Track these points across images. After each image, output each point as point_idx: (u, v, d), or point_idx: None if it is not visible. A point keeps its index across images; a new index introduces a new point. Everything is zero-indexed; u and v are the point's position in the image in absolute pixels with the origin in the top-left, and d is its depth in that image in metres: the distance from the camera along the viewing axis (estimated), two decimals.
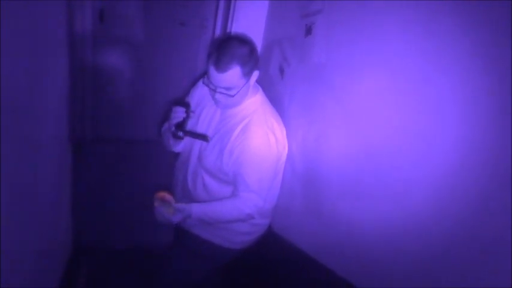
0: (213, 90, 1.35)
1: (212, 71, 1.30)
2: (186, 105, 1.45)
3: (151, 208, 1.38)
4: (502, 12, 0.90)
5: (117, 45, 3.01)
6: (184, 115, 1.41)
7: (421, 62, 1.13)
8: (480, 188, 0.99)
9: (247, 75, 1.33)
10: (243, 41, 1.35)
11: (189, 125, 1.51)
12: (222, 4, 2.45)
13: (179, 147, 1.57)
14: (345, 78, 1.42)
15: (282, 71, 1.79)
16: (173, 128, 1.42)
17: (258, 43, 2.10)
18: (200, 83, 1.55)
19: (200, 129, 1.49)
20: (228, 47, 1.29)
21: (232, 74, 1.29)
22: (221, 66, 1.27)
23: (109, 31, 2.91)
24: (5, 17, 0.90)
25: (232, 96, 1.33)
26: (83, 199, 2.29)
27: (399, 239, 1.22)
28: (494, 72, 0.94)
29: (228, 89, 1.32)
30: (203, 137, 1.42)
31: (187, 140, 1.53)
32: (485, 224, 0.98)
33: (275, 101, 1.58)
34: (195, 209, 1.38)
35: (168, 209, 1.35)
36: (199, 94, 1.55)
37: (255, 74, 1.37)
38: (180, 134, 1.42)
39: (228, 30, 2.24)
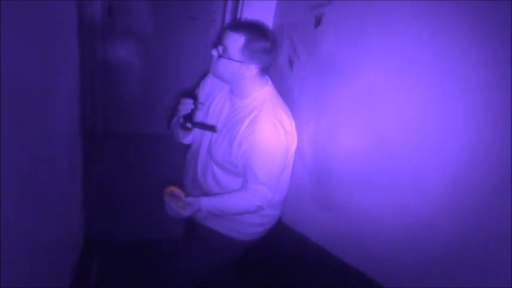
0: (215, 48, 1.38)
1: (225, 28, 1.38)
2: (194, 97, 1.46)
3: (161, 202, 1.39)
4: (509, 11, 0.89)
5: (126, 39, 3.03)
6: (192, 106, 1.42)
7: (432, 56, 1.12)
8: (490, 182, 0.98)
9: (246, 56, 1.34)
10: (265, 36, 1.37)
11: (199, 117, 1.51)
12: None
13: (188, 139, 1.58)
14: (355, 70, 1.41)
15: (291, 63, 1.78)
16: (181, 120, 1.43)
17: None
18: (210, 75, 1.56)
19: (210, 120, 1.49)
20: (250, 22, 1.39)
21: (237, 38, 1.33)
22: (233, 25, 1.37)
23: (118, 25, 2.94)
24: (17, 12, 0.91)
25: (218, 58, 1.36)
26: (94, 192, 2.32)
27: (412, 231, 1.21)
28: (502, 69, 0.93)
29: (224, 48, 1.36)
30: (211, 128, 1.42)
31: (197, 132, 1.53)
32: (494, 218, 0.97)
33: (284, 93, 1.57)
34: (205, 202, 1.38)
35: (178, 203, 1.36)
36: (209, 86, 1.56)
37: (252, 68, 1.37)
38: (188, 125, 1.43)
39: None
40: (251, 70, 1.37)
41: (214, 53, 1.38)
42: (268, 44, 1.37)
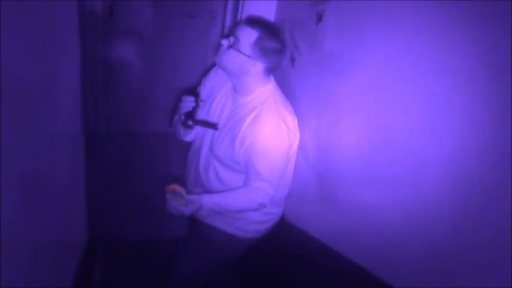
0: (226, 40, 1.39)
1: (241, 22, 1.38)
2: (196, 94, 1.46)
3: (163, 200, 1.39)
4: (503, 13, 0.89)
5: (127, 39, 3.03)
6: (193, 104, 1.41)
7: (433, 53, 1.12)
8: (493, 176, 0.98)
9: (255, 51, 1.34)
10: (278, 37, 1.37)
11: (201, 114, 1.51)
12: None
13: (190, 136, 1.58)
14: (356, 67, 1.41)
15: (293, 60, 1.78)
16: (183, 117, 1.43)
17: None
18: (212, 72, 1.55)
19: (212, 118, 1.49)
20: (266, 21, 1.40)
21: (249, 32, 1.34)
22: (249, 20, 1.36)
23: (119, 25, 2.94)
24: (18, 13, 0.91)
25: (227, 48, 1.36)
26: (96, 192, 2.32)
27: (415, 227, 1.20)
28: (502, 66, 0.93)
29: (235, 40, 1.36)
30: (213, 126, 1.42)
31: (199, 129, 1.53)
32: (497, 214, 0.97)
33: (287, 90, 1.57)
34: (206, 200, 1.38)
35: (180, 201, 1.36)
36: (211, 83, 1.55)
37: (259, 65, 1.36)
38: (190, 122, 1.43)
39: (238, 21, 2.22)
40: (257, 67, 1.37)
41: (225, 42, 1.38)
42: (279, 45, 1.37)
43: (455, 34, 1.03)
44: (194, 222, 1.63)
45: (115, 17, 2.93)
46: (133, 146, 3.20)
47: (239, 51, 1.35)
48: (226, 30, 2.50)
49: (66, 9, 1.54)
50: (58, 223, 1.55)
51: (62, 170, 1.57)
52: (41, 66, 1.16)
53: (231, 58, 1.37)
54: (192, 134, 1.57)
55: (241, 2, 2.18)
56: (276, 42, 1.36)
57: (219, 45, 1.41)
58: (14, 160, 0.93)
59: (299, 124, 1.50)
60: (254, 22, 1.36)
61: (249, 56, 1.35)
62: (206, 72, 1.62)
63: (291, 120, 1.44)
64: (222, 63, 1.42)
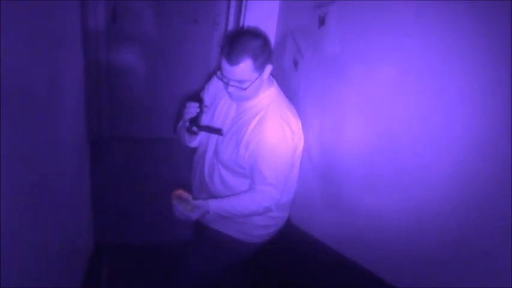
0: (226, 83, 1.35)
1: (224, 63, 1.30)
2: (200, 100, 1.46)
3: (169, 205, 1.39)
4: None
5: (130, 44, 3.04)
6: (197, 110, 1.42)
7: (435, 53, 1.12)
8: (497, 178, 0.98)
9: (259, 68, 1.32)
10: (256, 34, 1.34)
11: (205, 120, 1.52)
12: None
13: (195, 142, 1.58)
14: (359, 68, 1.41)
15: (296, 63, 1.78)
16: (187, 123, 1.43)
17: (271, 36, 2.08)
18: (215, 78, 1.56)
19: (216, 123, 1.49)
20: (239, 40, 1.29)
21: (244, 67, 1.28)
22: (232, 59, 1.27)
23: (122, 30, 2.94)
24: (24, 18, 0.92)
25: (244, 89, 1.33)
26: (103, 197, 2.33)
27: (420, 229, 1.20)
28: (505, 64, 0.93)
29: (240, 81, 1.32)
30: (217, 131, 1.42)
31: (203, 135, 1.53)
32: (501, 214, 0.97)
33: (290, 93, 1.57)
34: (213, 204, 1.39)
35: (186, 206, 1.37)
36: (214, 89, 1.56)
37: (268, 68, 1.36)
38: (195, 128, 1.43)
39: (240, 26, 2.23)
40: (267, 70, 1.36)
41: (234, 90, 1.34)
42: (262, 39, 1.33)
43: (464, 32, 1.02)
44: (200, 227, 1.63)
45: (118, 22, 2.94)
46: (137, 150, 3.20)
47: (251, 82, 1.32)
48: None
49: (69, 13, 1.55)
50: (64, 228, 1.56)
51: (66, 174, 1.57)
52: (44, 70, 1.17)
53: (249, 92, 1.36)
54: (197, 140, 1.58)
55: (244, 4, 2.19)
56: (259, 40, 1.31)
57: (229, 94, 1.39)
58: (19, 165, 0.94)
59: (303, 127, 1.51)
60: (235, 56, 1.27)
61: (259, 75, 1.33)
62: (209, 77, 1.63)
63: (295, 123, 1.45)
64: (244, 99, 1.40)
